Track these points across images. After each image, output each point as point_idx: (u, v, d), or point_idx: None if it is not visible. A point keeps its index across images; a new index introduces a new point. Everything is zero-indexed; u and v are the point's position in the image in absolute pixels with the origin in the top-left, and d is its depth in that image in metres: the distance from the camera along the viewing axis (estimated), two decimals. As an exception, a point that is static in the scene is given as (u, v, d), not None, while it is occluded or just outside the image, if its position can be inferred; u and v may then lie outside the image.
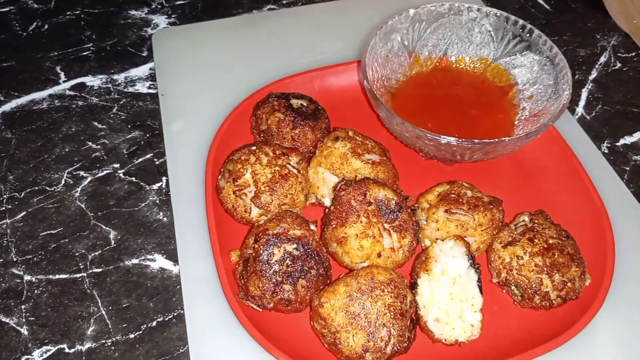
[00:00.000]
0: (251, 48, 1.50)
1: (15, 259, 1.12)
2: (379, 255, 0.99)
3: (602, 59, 1.56)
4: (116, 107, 1.39)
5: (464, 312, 0.94)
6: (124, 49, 1.54)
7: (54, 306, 1.05)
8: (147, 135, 1.33)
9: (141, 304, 1.06)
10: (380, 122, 1.28)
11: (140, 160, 1.29)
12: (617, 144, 1.36)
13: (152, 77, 1.46)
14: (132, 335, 1.02)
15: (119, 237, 1.15)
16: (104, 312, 1.05)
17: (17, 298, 1.06)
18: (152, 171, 1.26)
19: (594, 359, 0.98)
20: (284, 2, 1.70)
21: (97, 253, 1.13)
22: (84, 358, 0.99)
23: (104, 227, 1.17)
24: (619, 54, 1.58)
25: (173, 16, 1.64)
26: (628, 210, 1.18)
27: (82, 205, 1.20)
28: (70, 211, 1.19)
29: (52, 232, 1.16)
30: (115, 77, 1.46)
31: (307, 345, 0.97)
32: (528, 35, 1.25)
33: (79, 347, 1.01)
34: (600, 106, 1.45)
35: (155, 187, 1.24)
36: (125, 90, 1.43)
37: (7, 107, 1.39)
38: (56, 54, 1.52)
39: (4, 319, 1.04)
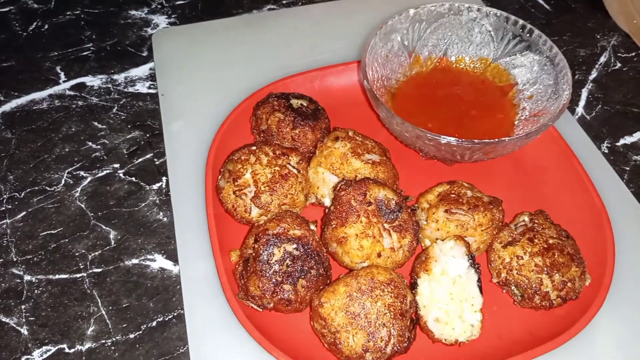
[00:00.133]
0: (251, 48, 1.50)
1: (15, 259, 1.12)
2: (379, 255, 0.99)
3: (602, 59, 1.56)
4: (116, 107, 1.39)
5: (464, 312, 0.94)
6: (124, 49, 1.54)
7: (54, 306, 1.05)
8: (147, 135, 1.33)
9: (141, 304, 1.06)
10: (380, 122, 1.28)
11: (140, 160, 1.29)
12: (617, 144, 1.36)
13: (152, 77, 1.46)
14: (132, 335, 1.02)
15: (119, 237, 1.15)
16: (104, 312, 1.05)
17: (17, 298, 1.06)
18: (152, 171, 1.26)
19: (594, 359, 0.98)
20: (284, 2, 1.70)
21: (97, 253, 1.13)
22: (84, 358, 0.99)
23: (104, 227, 1.17)
24: (619, 54, 1.58)
25: (173, 16, 1.64)
26: (628, 210, 1.18)
27: (82, 205, 1.20)
28: (70, 211, 1.19)
29: (52, 232, 1.16)
30: (115, 77, 1.46)
31: (307, 345, 0.97)
32: (528, 35, 1.25)
33: (79, 347, 1.01)
34: (600, 106, 1.45)
35: (155, 187, 1.24)
36: (125, 90, 1.43)
37: (7, 107, 1.39)
38: (56, 54, 1.52)
39: (4, 319, 1.04)
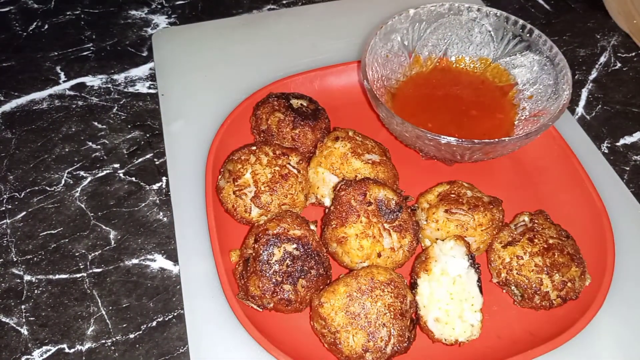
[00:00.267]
0: (251, 48, 1.50)
1: (15, 259, 1.12)
2: (379, 255, 0.99)
3: (602, 59, 1.56)
4: (116, 107, 1.39)
5: (464, 312, 0.94)
6: (124, 49, 1.54)
7: (54, 306, 1.05)
8: (147, 135, 1.33)
9: (141, 304, 1.06)
10: (380, 122, 1.28)
11: (140, 160, 1.29)
12: (617, 144, 1.36)
13: (152, 77, 1.46)
14: (132, 335, 1.02)
15: (119, 237, 1.15)
16: (104, 312, 1.05)
17: (17, 298, 1.06)
18: (152, 171, 1.26)
19: (593, 359, 0.98)
20: (284, 2, 1.70)
21: (97, 253, 1.13)
22: (84, 358, 0.99)
23: (104, 227, 1.17)
24: (619, 54, 1.58)
25: (173, 16, 1.64)
26: (628, 210, 1.18)
27: (82, 205, 1.20)
28: (70, 211, 1.19)
29: (52, 232, 1.16)
30: (115, 77, 1.46)
31: (307, 345, 0.97)
32: (528, 35, 1.25)
33: (79, 347, 1.01)
34: (600, 106, 1.45)
35: (155, 187, 1.24)
36: (125, 90, 1.43)
37: (7, 107, 1.39)
38: (56, 54, 1.52)
39: (4, 319, 1.04)
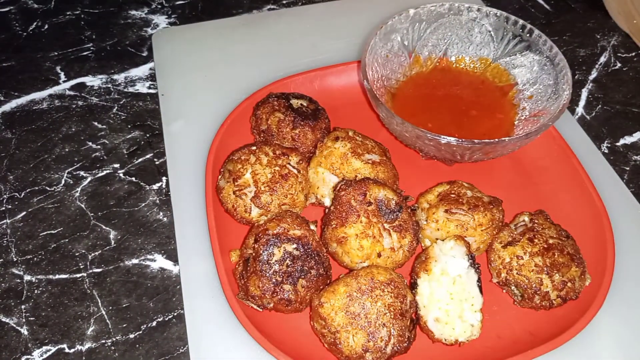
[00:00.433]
0: (251, 48, 1.50)
1: (15, 259, 1.12)
2: (379, 255, 0.99)
3: (602, 59, 1.56)
4: (116, 107, 1.39)
5: (464, 312, 0.94)
6: (124, 49, 1.54)
7: (54, 306, 1.05)
8: (147, 135, 1.33)
9: (141, 304, 1.06)
10: (380, 122, 1.28)
11: (140, 160, 1.29)
12: (617, 144, 1.36)
13: (152, 77, 1.46)
14: (132, 335, 1.02)
15: (119, 237, 1.15)
16: (104, 312, 1.05)
17: (17, 298, 1.06)
18: (152, 171, 1.26)
19: (593, 359, 0.98)
20: (284, 2, 1.70)
21: (97, 253, 1.13)
22: (84, 358, 0.99)
23: (104, 227, 1.17)
24: (619, 54, 1.58)
25: (173, 16, 1.64)
26: (628, 210, 1.18)
27: (82, 205, 1.20)
28: (70, 211, 1.19)
29: (52, 232, 1.16)
30: (115, 77, 1.46)
31: (307, 345, 0.97)
32: (528, 35, 1.25)
33: (79, 347, 1.01)
34: (600, 106, 1.45)
35: (155, 187, 1.24)
36: (125, 90, 1.43)
37: (7, 107, 1.39)
38: (56, 54, 1.52)
39: (4, 319, 1.04)
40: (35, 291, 1.07)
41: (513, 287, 1.01)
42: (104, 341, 1.01)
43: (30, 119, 1.36)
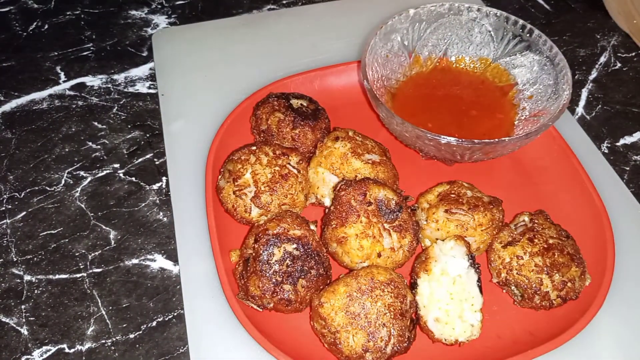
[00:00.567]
0: (251, 48, 1.50)
1: (15, 259, 1.12)
2: (379, 255, 0.99)
3: (602, 59, 1.56)
4: (116, 107, 1.39)
5: (464, 312, 0.94)
6: (124, 49, 1.54)
7: (54, 306, 1.05)
8: (147, 135, 1.33)
9: (141, 304, 1.06)
10: (380, 122, 1.28)
11: (140, 160, 1.29)
12: (617, 144, 1.36)
13: (152, 77, 1.46)
14: (132, 335, 1.02)
15: (119, 237, 1.15)
16: (104, 312, 1.05)
17: (17, 298, 1.06)
18: (152, 171, 1.26)
19: (593, 359, 0.98)
20: (284, 2, 1.70)
21: (97, 253, 1.13)
22: (84, 358, 0.99)
23: (104, 227, 1.17)
24: (619, 54, 1.58)
25: (173, 16, 1.64)
26: (628, 210, 1.18)
27: (82, 205, 1.20)
28: (70, 211, 1.19)
29: (52, 232, 1.16)
30: (115, 77, 1.46)
31: (307, 345, 0.97)
32: (528, 35, 1.25)
33: (79, 347, 1.01)
34: (600, 106, 1.45)
35: (155, 187, 1.24)
36: (125, 90, 1.43)
37: (7, 107, 1.39)
38: (56, 54, 1.52)
39: (4, 319, 1.04)
40: (35, 291, 1.07)
41: (513, 287, 1.01)
42: (104, 341, 1.01)
43: (30, 119, 1.36)
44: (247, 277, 0.96)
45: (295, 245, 0.97)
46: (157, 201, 1.21)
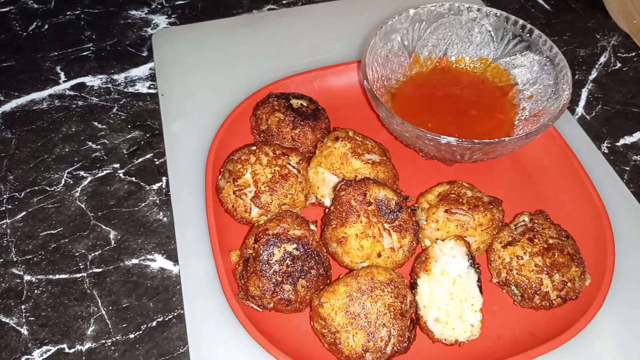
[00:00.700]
0: (251, 48, 1.50)
1: (15, 259, 1.12)
2: (379, 255, 0.99)
3: (602, 59, 1.56)
4: (116, 107, 1.39)
5: (464, 312, 0.94)
6: (124, 49, 1.54)
7: (54, 306, 1.05)
8: (147, 135, 1.33)
9: (141, 304, 1.06)
10: (380, 122, 1.28)
11: (140, 160, 1.29)
12: (617, 144, 1.36)
13: (152, 77, 1.46)
14: (132, 335, 1.02)
15: (119, 237, 1.15)
16: (104, 312, 1.05)
17: (17, 298, 1.06)
18: (152, 171, 1.26)
19: (593, 359, 0.98)
20: (284, 2, 1.70)
21: (97, 253, 1.13)
22: (84, 358, 0.99)
23: (104, 227, 1.17)
24: (619, 54, 1.58)
25: (173, 16, 1.64)
26: (628, 210, 1.18)
27: (82, 205, 1.20)
28: (70, 211, 1.19)
29: (52, 232, 1.16)
30: (115, 77, 1.46)
31: (307, 345, 0.97)
32: (528, 35, 1.25)
33: (79, 347, 1.01)
34: (600, 106, 1.45)
35: (155, 187, 1.24)
36: (125, 90, 1.43)
37: (7, 107, 1.39)
38: (56, 54, 1.52)
39: (4, 319, 1.04)
40: (35, 291, 1.07)
41: (513, 287, 1.01)
42: (104, 341, 1.01)
43: (30, 119, 1.36)
44: (247, 277, 0.96)
45: (295, 245, 0.97)
46: (157, 201, 1.21)
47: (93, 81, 1.45)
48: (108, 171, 1.26)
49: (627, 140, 1.37)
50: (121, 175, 1.26)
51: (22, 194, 1.22)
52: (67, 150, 1.30)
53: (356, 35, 1.52)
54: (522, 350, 0.95)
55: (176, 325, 1.03)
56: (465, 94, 1.29)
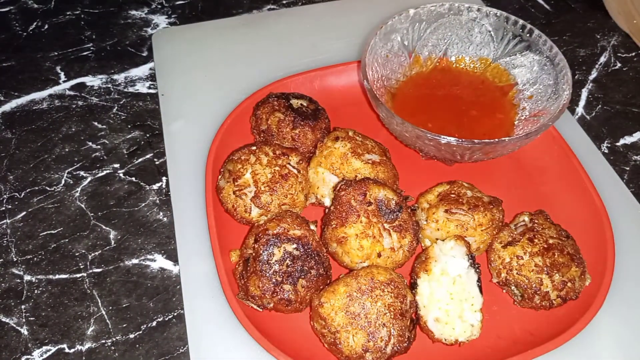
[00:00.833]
0: (251, 48, 1.50)
1: (15, 259, 1.12)
2: (379, 255, 0.99)
3: (602, 59, 1.56)
4: (116, 107, 1.39)
5: (464, 312, 0.94)
6: (124, 49, 1.54)
7: (54, 306, 1.05)
8: (147, 135, 1.33)
9: (141, 304, 1.06)
10: (380, 122, 1.28)
11: (140, 160, 1.29)
12: (617, 144, 1.36)
13: (152, 77, 1.46)
14: (132, 335, 1.02)
15: (119, 237, 1.15)
16: (104, 312, 1.05)
17: (17, 298, 1.06)
18: (152, 171, 1.26)
19: (593, 359, 0.98)
20: (284, 2, 1.70)
21: (97, 253, 1.13)
22: (84, 358, 0.99)
23: (104, 227, 1.17)
24: (619, 54, 1.58)
25: (173, 16, 1.64)
26: (628, 210, 1.18)
27: (82, 205, 1.20)
28: (70, 211, 1.19)
29: (52, 232, 1.16)
30: (115, 77, 1.46)
31: (307, 345, 0.97)
32: (528, 35, 1.25)
33: (79, 347, 1.01)
34: (600, 106, 1.45)
35: (155, 187, 1.24)
36: (125, 90, 1.43)
37: (7, 107, 1.39)
38: (56, 54, 1.52)
39: (4, 319, 1.04)
40: (35, 291, 1.07)
41: (513, 287, 1.01)
42: (104, 341, 1.01)
43: (30, 119, 1.36)
44: (247, 277, 0.96)
45: (295, 245, 0.97)
46: (157, 201, 1.21)
47: (93, 81, 1.45)
48: (108, 171, 1.26)
49: (627, 140, 1.37)
50: (121, 175, 1.26)
51: (22, 194, 1.22)
52: (67, 150, 1.30)
53: (356, 35, 1.52)
54: (522, 350, 0.95)
55: (176, 325, 1.03)
56: (465, 94, 1.29)
